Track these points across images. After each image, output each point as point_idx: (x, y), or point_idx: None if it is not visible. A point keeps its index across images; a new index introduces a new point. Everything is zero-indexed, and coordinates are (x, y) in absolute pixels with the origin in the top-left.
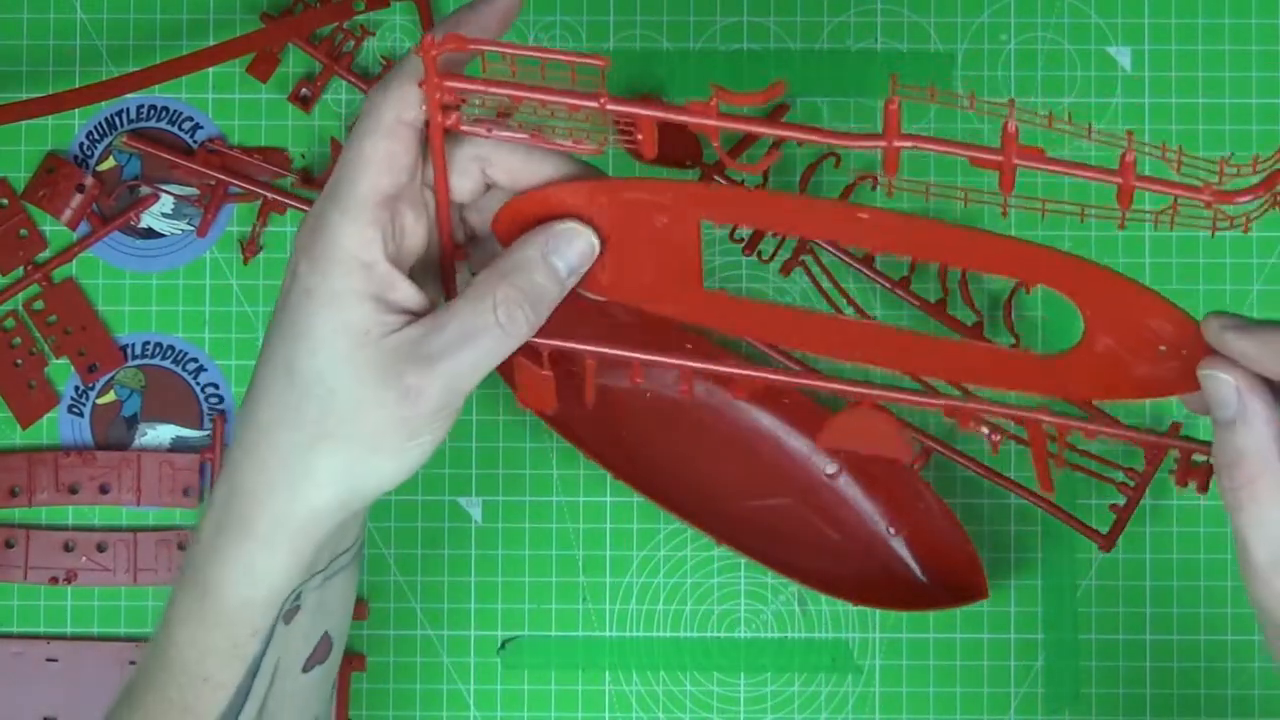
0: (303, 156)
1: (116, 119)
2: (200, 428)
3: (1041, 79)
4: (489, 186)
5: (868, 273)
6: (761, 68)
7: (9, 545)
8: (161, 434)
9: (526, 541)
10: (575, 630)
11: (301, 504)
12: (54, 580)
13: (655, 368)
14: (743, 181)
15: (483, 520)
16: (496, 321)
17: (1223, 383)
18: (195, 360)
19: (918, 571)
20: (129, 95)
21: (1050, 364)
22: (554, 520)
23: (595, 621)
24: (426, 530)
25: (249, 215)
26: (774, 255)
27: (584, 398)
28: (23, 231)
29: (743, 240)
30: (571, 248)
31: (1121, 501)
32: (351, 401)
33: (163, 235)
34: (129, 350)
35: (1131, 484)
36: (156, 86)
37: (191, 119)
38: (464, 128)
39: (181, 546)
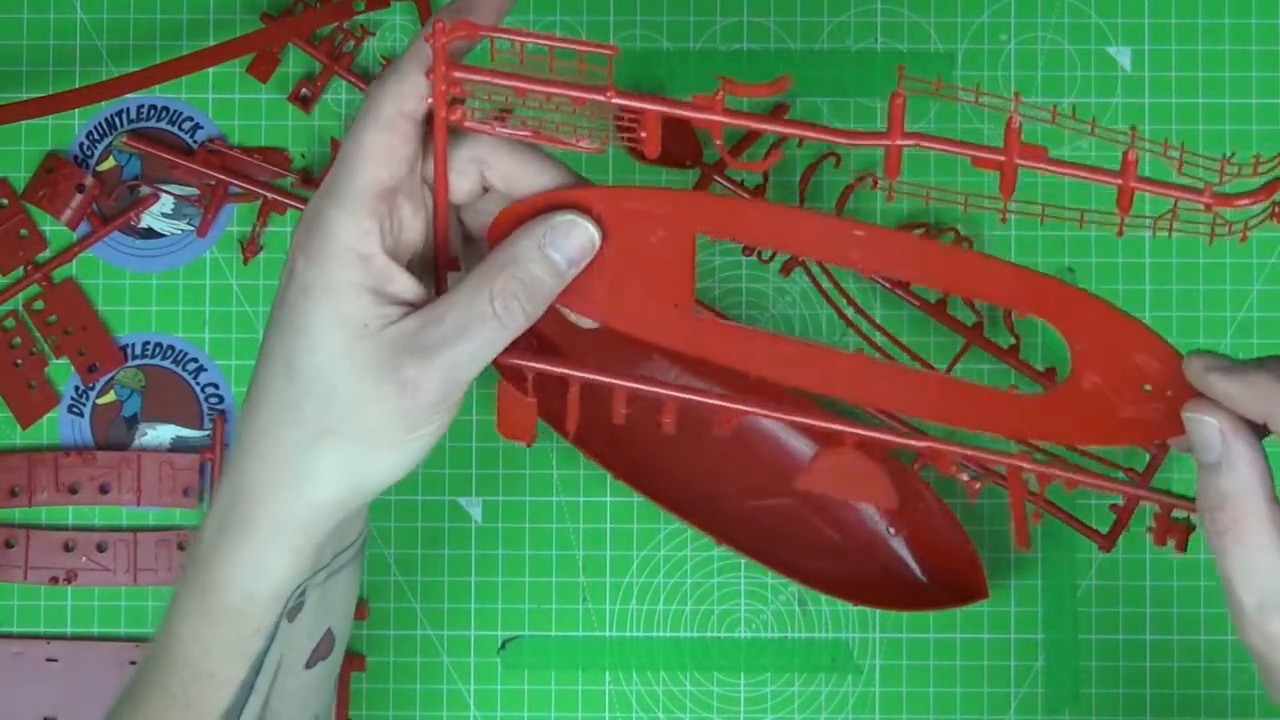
0: (303, 156)
1: (116, 119)
2: (200, 428)
3: (1041, 79)
4: (486, 189)
5: None
6: (761, 68)
7: (9, 545)
8: (161, 434)
9: (526, 541)
10: (575, 630)
11: (304, 501)
12: (54, 580)
13: (644, 387)
14: (743, 181)
15: (483, 520)
16: (494, 313)
17: (1206, 425)
18: (195, 360)
19: (918, 571)
20: (129, 95)
21: (1033, 405)
22: (554, 520)
23: (595, 621)
24: (426, 530)
25: (249, 215)
26: (774, 255)
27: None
28: (23, 231)
29: None
30: (570, 240)
31: (1121, 501)
32: (351, 397)
33: (163, 235)
34: (129, 350)
35: (1132, 484)
36: (156, 86)
37: (191, 119)
38: (468, 124)
39: (181, 547)
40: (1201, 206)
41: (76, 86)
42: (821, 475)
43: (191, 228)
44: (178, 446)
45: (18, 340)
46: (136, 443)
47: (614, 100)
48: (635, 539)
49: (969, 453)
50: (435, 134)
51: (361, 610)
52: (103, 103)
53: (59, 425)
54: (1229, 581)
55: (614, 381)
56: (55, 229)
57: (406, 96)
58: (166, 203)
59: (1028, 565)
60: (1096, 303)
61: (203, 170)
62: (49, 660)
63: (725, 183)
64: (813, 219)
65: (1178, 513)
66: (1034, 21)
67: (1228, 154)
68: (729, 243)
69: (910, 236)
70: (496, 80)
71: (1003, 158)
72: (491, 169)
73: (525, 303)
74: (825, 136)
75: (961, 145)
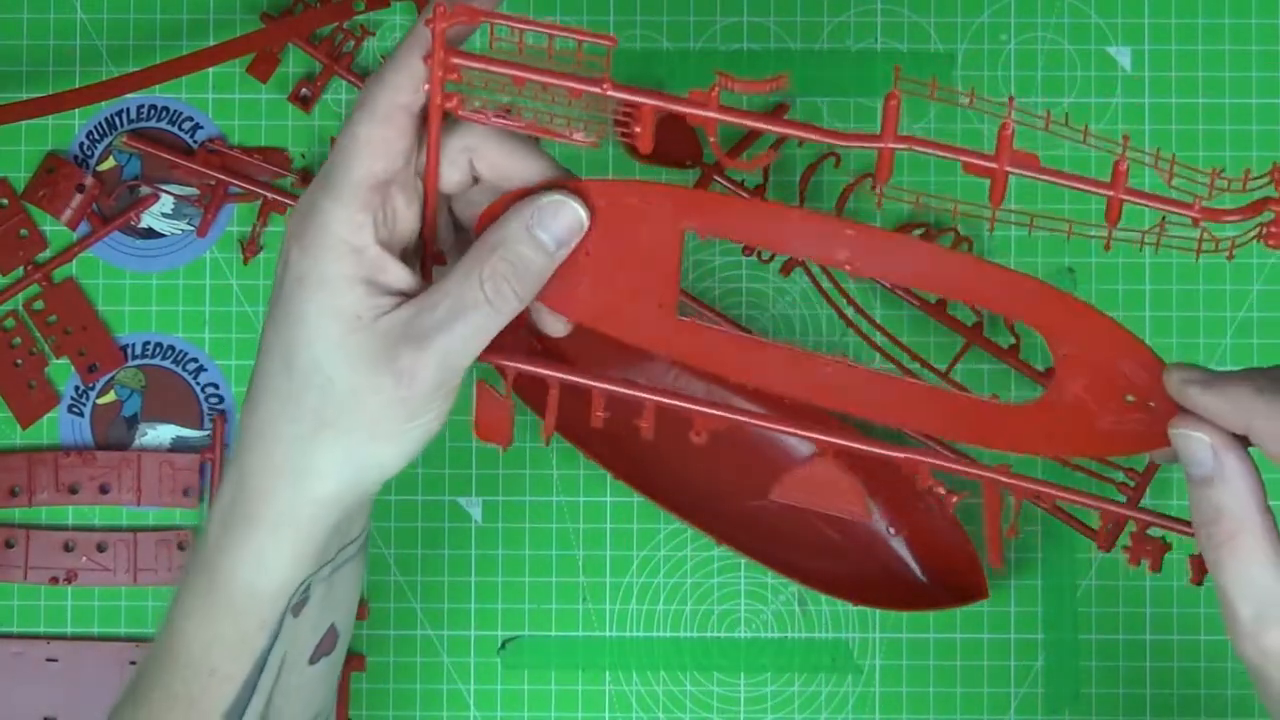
0: (303, 156)
1: (116, 119)
2: (200, 428)
3: (1041, 79)
4: (476, 180)
5: None
6: (762, 68)
7: (9, 545)
8: (162, 434)
9: (526, 541)
10: (575, 630)
11: (305, 497)
12: (54, 580)
13: (630, 389)
14: (743, 182)
15: (483, 520)
16: (485, 297)
17: (1196, 441)
18: (195, 360)
19: (918, 571)
20: (129, 95)
21: (1012, 415)
22: (554, 520)
23: (595, 621)
24: (426, 530)
25: (249, 215)
26: (774, 256)
27: (589, 417)
28: (23, 231)
29: None
30: (557, 220)
31: (1121, 501)
32: (348, 389)
33: (163, 235)
34: (129, 350)
35: (1131, 484)
36: (156, 86)
37: (191, 119)
38: (462, 112)
39: (181, 547)
40: (1190, 220)
41: (76, 86)
42: (797, 484)
43: (191, 228)
44: (178, 446)
45: (18, 340)
46: (136, 443)
47: (609, 93)
48: (635, 539)
49: (948, 465)
50: (430, 119)
51: (362, 610)
52: (103, 103)
53: (59, 425)
54: (1224, 594)
55: (591, 383)
56: (55, 229)
57: (403, 87)
58: (166, 203)
59: (1028, 565)
60: (1082, 307)
61: (203, 170)
62: (49, 660)
63: (725, 183)
64: (801, 217)
65: (1154, 530)
66: (1034, 21)
67: (1219, 168)
68: (729, 243)
69: (899, 237)
70: (494, 68)
71: (993, 165)
72: (481, 158)
73: (515, 284)
74: (818, 137)
75: (953, 150)
